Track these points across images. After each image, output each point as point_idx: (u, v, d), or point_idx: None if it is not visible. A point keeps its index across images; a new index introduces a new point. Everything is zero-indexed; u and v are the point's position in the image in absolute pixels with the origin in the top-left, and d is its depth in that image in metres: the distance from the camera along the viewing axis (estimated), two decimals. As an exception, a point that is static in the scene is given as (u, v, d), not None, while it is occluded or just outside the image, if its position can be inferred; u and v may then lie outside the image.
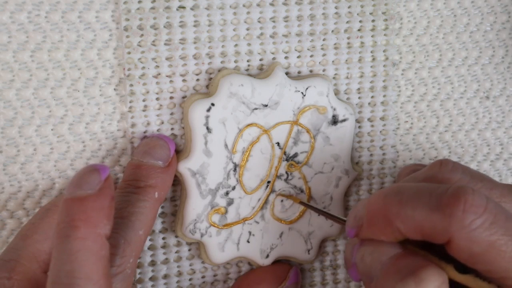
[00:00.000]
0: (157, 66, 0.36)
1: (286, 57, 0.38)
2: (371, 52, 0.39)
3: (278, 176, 0.38)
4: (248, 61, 0.37)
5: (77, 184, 0.28)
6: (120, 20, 0.35)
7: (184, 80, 0.36)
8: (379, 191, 0.31)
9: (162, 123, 0.37)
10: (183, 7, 0.36)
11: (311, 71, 0.38)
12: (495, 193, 0.32)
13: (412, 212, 0.29)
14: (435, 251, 0.30)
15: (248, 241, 0.38)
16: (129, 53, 0.35)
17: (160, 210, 0.38)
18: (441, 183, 0.31)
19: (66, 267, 0.27)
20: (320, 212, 0.37)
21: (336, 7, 0.38)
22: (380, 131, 0.40)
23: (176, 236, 0.38)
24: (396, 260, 0.30)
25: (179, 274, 0.39)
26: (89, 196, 0.28)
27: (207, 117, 0.36)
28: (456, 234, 0.28)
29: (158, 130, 0.37)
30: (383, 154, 0.41)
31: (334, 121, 0.38)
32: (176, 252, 0.38)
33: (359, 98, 0.39)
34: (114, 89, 0.36)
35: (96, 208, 0.28)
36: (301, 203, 0.38)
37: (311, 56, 0.38)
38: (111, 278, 0.29)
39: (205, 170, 0.36)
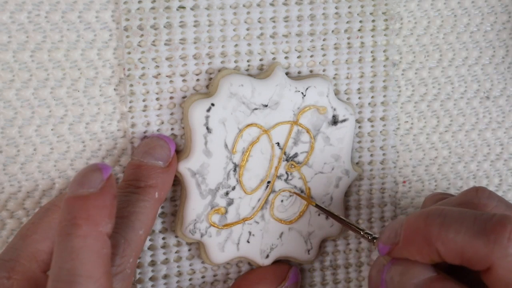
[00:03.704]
0: (157, 66, 0.36)
1: (286, 57, 0.38)
2: (371, 52, 0.39)
3: (278, 176, 0.38)
4: (248, 61, 0.37)
5: (79, 183, 0.29)
6: (120, 20, 0.35)
7: (184, 80, 0.36)
8: (420, 211, 0.31)
9: (162, 123, 0.37)
10: (183, 7, 0.36)
11: (311, 71, 0.38)
12: None
13: (454, 235, 0.29)
14: (464, 280, 0.30)
15: (248, 241, 0.38)
16: (129, 53, 0.35)
17: (160, 210, 0.38)
18: (478, 209, 0.31)
19: (67, 265, 0.27)
20: (339, 219, 0.37)
21: (336, 7, 0.38)
22: (380, 131, 0.40)
23: (176, 236, 0.38)
24: (432, 283, 0.30)
25: (179, 274, 0.39)
26: (91, 195, 0.28)
27: (207, 117, 0.36)
28: (498, 262, 0.28)
29: (158, 130, 0.37)
30: (383, 154, 0.41)
31: (334, 121, 0.38)
32: (176, 252, 0.38)
33: (359, 98, 0.39)
34: (114, 89, 0.36)
35: (98, 206, 0.28)
36: (317, 206, 0.38)
37: (311, 56, 0.38)
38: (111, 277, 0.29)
39: (205, 170, 0.36)
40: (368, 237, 0.34)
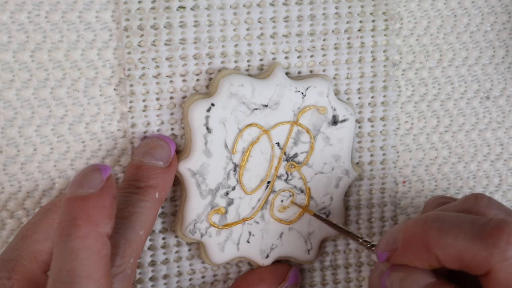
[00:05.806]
0: (157, 66, 0.36)
1: (286, 57, 0.38)
2: (371, 52, 0.39)
3: (278, 176, 0.38)
4: (248, 61, 0.37)
5: (79, 184, 0.29)
6: (120, 20, 0.35)
7: (184, 80, 0.36)
8: (418, 217, 0.31)
9: (162, 123, 0.37)
10: (183, 7, 0.36)
11: (311, 71, 0.38)
12: None
13: (453, 240, 0.29)
14: (463, 285, 0.30)
15: (248, 241, 0.38)
16: (129, 53, 0.35)
17: (160, 210, 0.38)
18: None
19: (67, 266, 0.27)
20: (337, 228, 0.37)
21: (336, 7, 0.38)
22: (380, 132, 0.40)
23: (176, 236, 0.38)
24: None
25: (179, 274, 0.39)
26: (90, 195, 0.28)
27: (207, 117, 0.36)
28: (497, 265, 0.28)
29: (158, 130, 0.37)
30: (383, 154, 0.41)
31: (334, 121, 0.38)
32: (176, 252, 0.38)
33: (359, 98, 0.39)
34: (114, 89, 0.36)
35: (98, 207, 0.28)
36: (315, 215, 0.38)
37: (311, 56, 0.38)
38: (112, 278, 0.29)
39: (205, 170, 0.36)
40: (367, 244, 0.34)
